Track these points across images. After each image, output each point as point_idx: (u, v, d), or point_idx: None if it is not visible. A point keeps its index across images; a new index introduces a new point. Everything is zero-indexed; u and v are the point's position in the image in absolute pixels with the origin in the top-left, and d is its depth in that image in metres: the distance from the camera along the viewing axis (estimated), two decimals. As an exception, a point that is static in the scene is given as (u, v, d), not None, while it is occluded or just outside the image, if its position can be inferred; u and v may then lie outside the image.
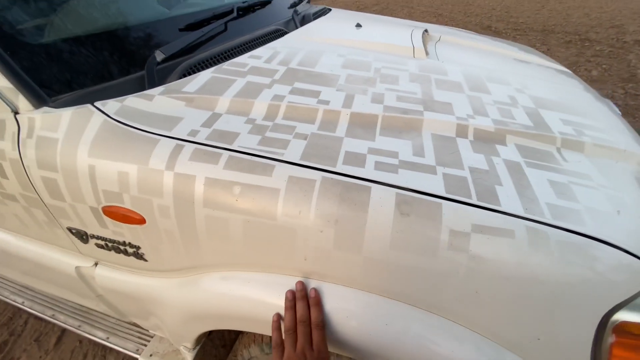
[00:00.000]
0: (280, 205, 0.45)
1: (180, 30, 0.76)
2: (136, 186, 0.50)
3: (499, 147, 0.53)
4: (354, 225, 0.43)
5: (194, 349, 0.76)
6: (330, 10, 1.38)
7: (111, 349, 1.34)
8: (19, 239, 0.80)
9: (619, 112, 0.87)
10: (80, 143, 0.52)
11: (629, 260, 0.41)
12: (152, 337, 1.05)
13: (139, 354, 1.00)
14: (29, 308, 1.19)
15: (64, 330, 1.43)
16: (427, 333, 0.44)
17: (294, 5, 1.23)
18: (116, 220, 0.54)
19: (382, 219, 0.43)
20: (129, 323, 1.10)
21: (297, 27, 1.05)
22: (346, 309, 0.47)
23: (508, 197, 0.44)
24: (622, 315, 0.41)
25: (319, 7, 1.37)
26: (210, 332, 0.82)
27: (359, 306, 0.46)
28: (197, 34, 0.75)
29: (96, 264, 0.73)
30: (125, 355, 1.31)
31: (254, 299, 0.52)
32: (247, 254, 0.50)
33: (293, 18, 1.10)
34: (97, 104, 0.55)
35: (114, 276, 0.71)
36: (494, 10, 11.68)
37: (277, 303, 0.50)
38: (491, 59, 0.92)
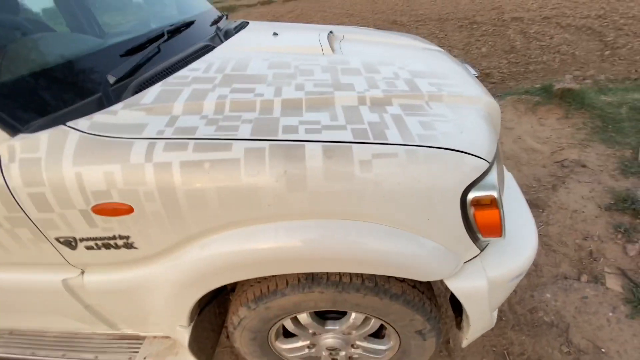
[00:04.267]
0: (242, 170, 0.62)
1: (121, 55, 0.87)
2: (122, 181, 0.62)
3: (387, 107, 0.76)
4: (298, 171, 0.62)
5: (189, 325, 0.88)
6: (248, 23, 1.55)
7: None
8: (-7, 272, 0.84)
9: (475, 73, 1.19)
10: (63, 157, 0.63)
11: (469, 159, 0.66)
12: (142, 342, 1.12)
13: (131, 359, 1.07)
14: (5, 353, 1.17)
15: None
16: (360, 235, 0.65)
17: (215, 23, 1.38)
18: (106, 215, 0.65)
19: (316, 163, 0.62)
20: (115, 338, 1.15)
21: (222, 42, 1.20)
22: (303, 235, 0.65)
23: (393, 135, 0.66)
24: (474, 193, 0.66)
25: (238, 21, 1.54)
26: (201, 312, 0.94)
27: (313, 230, 0.65)
28: (138, 57, 0.87)
29: (83, 272, 0.81)
30: None
31: (234, 250, 0.68)
32: (223, 215, 0.65)
33: (217, 34, 1.25)
34: (69, 123, 0.66)
35: (103, 278, 0.80)
36: (397, 6, 12.80)
37: (255, 248, 0.67)
38: (382, 47, 1.18)
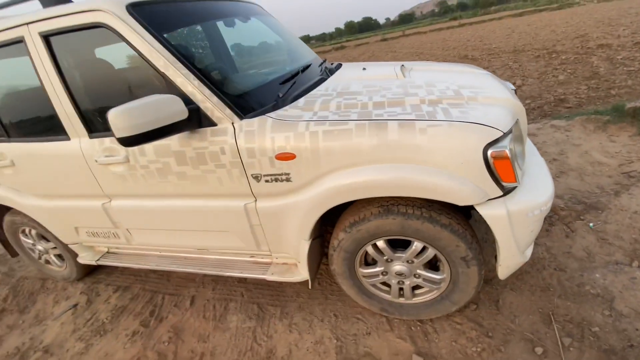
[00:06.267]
0: (353, 134, 1.17)
1: (280, 83, 1.55)
2: (293, 140, 1.23)
3: (439, 104, 1.25)
4: (384, 133, 1.14)
5: (309, 240, 1.42)
6: (342, 64, 2.21)
7: (233, 301, 1.96)
8: (204, 201, 1.52)
9: (513, 87, 1.59)
10: (265, 130, 1.27)
11: (488, 129, 1.10)
12: (269, 266, 1.70)
13: (265, 275, 1.64)
14: (183, 268, 1.86)
15: (194, 296, 2.07)
16: (419, 172, 1.13)
17: (321, 64, 2.06)
18: (281, 160, 1.26)
19: (394, 130, 1.14)
20: (252, 263, 1.75)
21: (329, 76, 1.85)
22: (386, 172, 1.16)
23: (440, 117, 1.15)
24: (492, 149, 1.09)
25: (337, 63, 2.22)
26: (314, 239, 1.48)
27: (391, 169, 1.15)
28: (289, 84, 1.53)
29: (256, 200, 1.43)
30: (242, 296, 1.94)
31: (345, 182, 1.21)
32: (342, 160, 1.20)
33: (325, 71, 1.91)
34: (267, 114, 1.31)
35: (268, 203, 1.41)
36: (469, 42, 12.98)
37: (357, 180, 1.19)
38: (439, 73, 1.68)
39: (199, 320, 1.89)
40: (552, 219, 2.00)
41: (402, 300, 1.53)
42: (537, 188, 1.21)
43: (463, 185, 1.11)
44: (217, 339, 1.74)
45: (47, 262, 2.47)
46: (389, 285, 1.53)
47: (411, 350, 1.45)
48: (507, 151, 1.09)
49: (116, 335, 1.93)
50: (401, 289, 1.50)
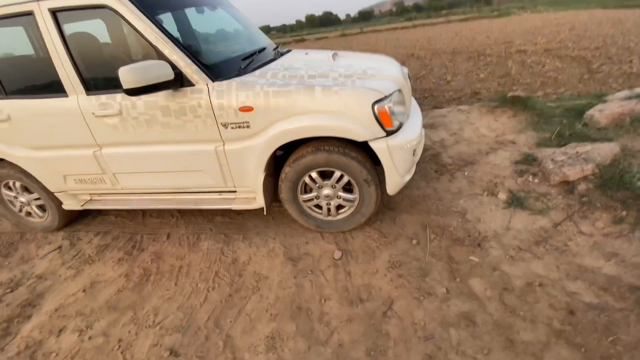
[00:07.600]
0: (293, 94, 1.76)
1: (242, 59, 2.08)
2: (251, 97, 1.79)
3: (350, 78, 1.89)
4: (312, 93, 1.75)
5: (264, 173, 1.99)
6: (291, 50, 2.79)
7: (203, 234, 2.47)
8: (183, 146, 2.02)
9: (407, 71, 2.30)
10: (232, 89, 1.81)
11: (376, 92, 1.76)
12: (234, 199, 2.25)
13: (231, 205, 2.19)
14: (163, 206, 2.34)
15: (169, 233, 2.54)
16: (332, 120, 1.75)
17: (275, 49, 2.62)
18: (242, 112, 1.81)
19: (319, 92, 1.75)
20: (220, 198, 2.28)
21: (279, 57, 2.42)
22: (313, 120, 1.77)
23: (349, 85, 1.78)
24: (376, 105, 1.75)
25: (287, 48, 2.79)
26: (267, 172, 2.05)
27: (316, 118, 1.77)
28: (248, 60, 2.07)
29: (224, 144, 1.97)
30: (211, 230, 2.47)
31: (289, 127, 1.80)
32: (286, 112, 1.79)
33: (277, 53, 2.47)
34: (233, 79, 1.85)
35: (233, 146, 1.95)
36: (418, 42, 14.13)
37: (297, 125, 1.78)
38: (358, 59, 2.34)
39: (176, 247, 2.38)
40: (443, 170, 2.78)
41: (330, 217, 2.17)
42: (409, 133, 1.90)
43: (360, 127, 1.76)
44: (192, 257, 2.25)
45: (28, 214, 2.75)
46: (320, 208, 2.16)
47: (335, 248, 2.11)
48: (387, 107, 1.75)
49: (104, 262, 2.35)
50: (329, 209, 2.14)
